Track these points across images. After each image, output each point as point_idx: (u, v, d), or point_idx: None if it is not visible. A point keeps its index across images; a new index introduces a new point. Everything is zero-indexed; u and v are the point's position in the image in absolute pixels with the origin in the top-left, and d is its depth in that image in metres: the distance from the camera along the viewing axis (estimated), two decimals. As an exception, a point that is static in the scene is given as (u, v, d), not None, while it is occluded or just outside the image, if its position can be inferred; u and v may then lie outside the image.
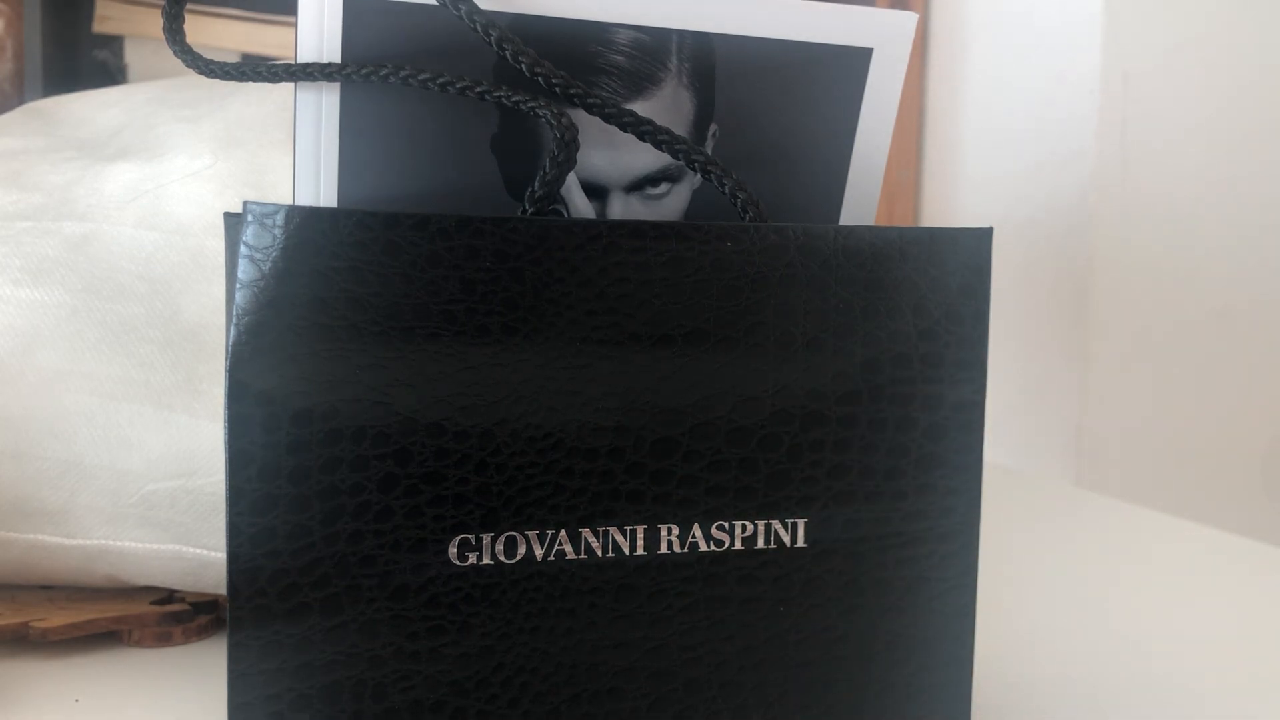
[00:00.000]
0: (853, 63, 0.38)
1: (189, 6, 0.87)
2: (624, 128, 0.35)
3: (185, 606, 0.49)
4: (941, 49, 1.24)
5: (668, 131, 0.35)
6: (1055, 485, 0.97)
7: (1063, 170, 1.08)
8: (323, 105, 0.35)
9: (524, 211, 0.34)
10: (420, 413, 0.32)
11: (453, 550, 0.32)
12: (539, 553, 0.33)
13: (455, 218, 0.31)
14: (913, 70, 1.24)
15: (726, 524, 0.35)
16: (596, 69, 0.36)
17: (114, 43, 1.14)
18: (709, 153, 0.36)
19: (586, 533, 0.33)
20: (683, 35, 0.36)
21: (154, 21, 1.12)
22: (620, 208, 0.38)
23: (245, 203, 0.30)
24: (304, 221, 0.30)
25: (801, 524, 0.35)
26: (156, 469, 0.45)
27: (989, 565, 0.49)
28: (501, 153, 0.36)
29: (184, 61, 0.36)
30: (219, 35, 1.13)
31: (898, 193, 1.25)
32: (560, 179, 0.34)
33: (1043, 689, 0.46)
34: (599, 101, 0.34)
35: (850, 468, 0.36)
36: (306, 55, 0.34)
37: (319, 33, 0.34)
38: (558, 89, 0.34)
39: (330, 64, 0.34)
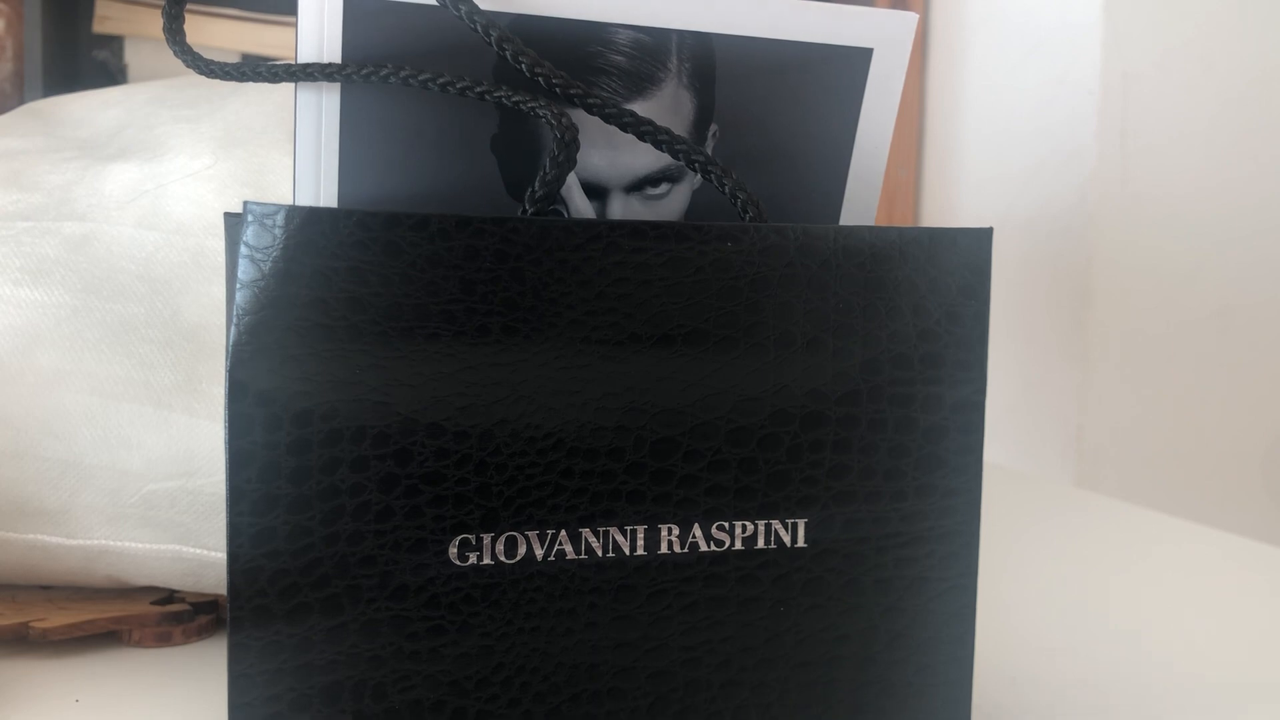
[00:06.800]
0: (853, 63, 0.38)
1: (189, 6, 0.87)
2: (624, 128, 0.35)
3: (185, 606, 0.49)
4: (941, 49, 1.24)
5: (668, 131, 0.35)
6: (1055, 485, 0.97)
7: (1063, 170, 1.08)
8: (323, 105, 0.35)
9: (524, 211, 0.34)
10: (420, 413, 0.32)
11: (453, 550, 0.32)
12: (539, 553, 0.33)
13: (455, 217, 0.31)
14: (913, 70, 1.24)
15: (726, 524, 0.35)
16: (596, 69, 0.36)
17: (114, 43, 1.14)
18: (709, 153, 0.36)
19: (587, 533, 0.33)
20: (683, 35, 0.36)
21: (154, 21, 1.12)
22: (620, 208, 0.38)
23: (245, 203, 0.30)
24: (304, 221, 0.30)
25: (801, 524, 0.35)
26: (156, 469, 0.45)
27: (989, 565, 0.49)
28: (501, 153, 0.36)
29: (184, 61, 0.36)
30: (219, 35, 1.13)
31: (898, 193, 1.25)
32: (560, 179, 0.34)
33: (1043, 689, 0.46)
34: (599, 101, 0.34)
35: (850, 468, 0.36)
36: (306, 55, 0.34)
37: (319, 33, 0.34)
38: (558, 89, 0.34)
39: (330, 64, 0.34)
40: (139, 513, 0.45)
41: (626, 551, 0.34)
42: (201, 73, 0.36)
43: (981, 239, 0.37)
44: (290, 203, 0.33)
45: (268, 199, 0.47)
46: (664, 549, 0.34)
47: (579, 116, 0.36)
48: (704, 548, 0.35)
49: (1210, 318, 1.09)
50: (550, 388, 0.33)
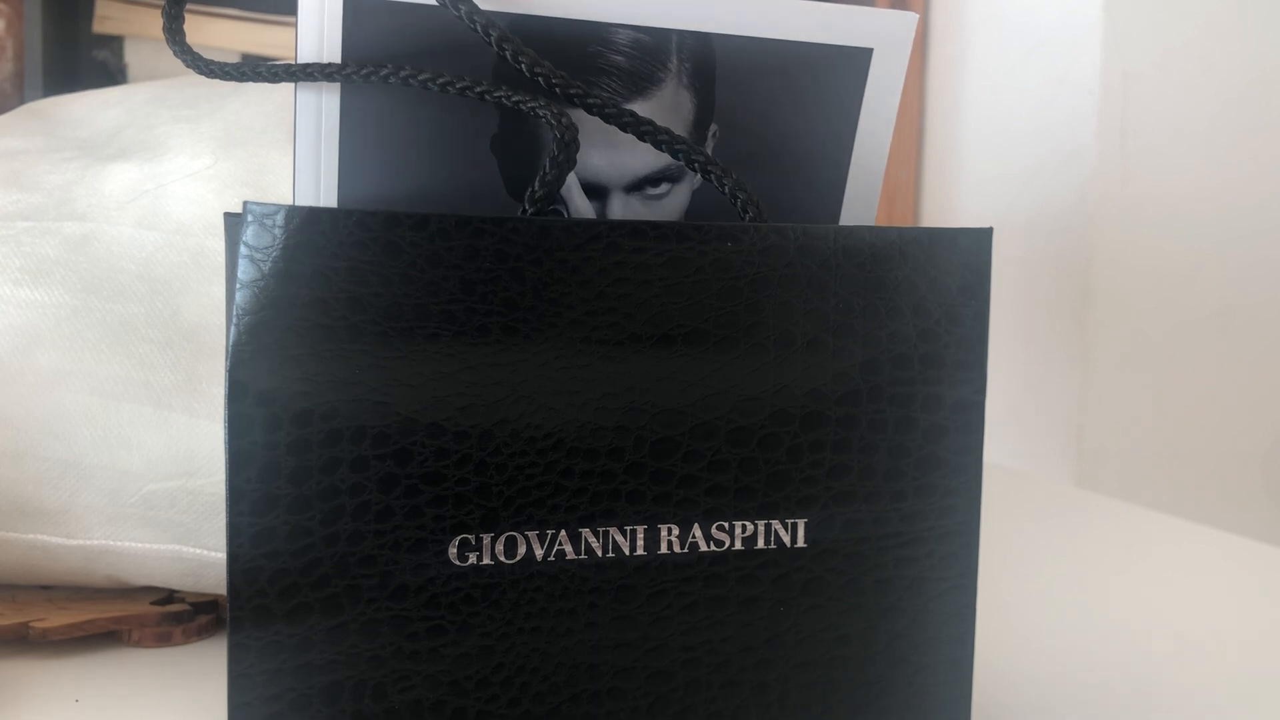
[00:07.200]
0: (853, 63, 0.38)
1: (189, 6, 0.87)
2: (624, 128, 0.35)
3: (185, 606, 0.49)
4: (941, 49, 1.24)
5: (668, 131, 0.35)
6: (1055, 485, 0.97)
7: (1063, 170, 1.08)
8: (323, 105, 0.35)
9: (524, 211, 0.34)
10: (420, 413, 0.32)
11: (453, 550, 0.32)
12: (539, 553, 0.33)
13: (455, 217, 0.31)
14: (913, 70, 1.24)
15: (726, 524, 0.35)
16: (596, 69, 0.36)
17: (114, 43, 1.15)
18: (709, 153, 0.36)
19: (586, 533, 0.33)
20: (683, 35, 0.36)
21: (154, 21, 1.12)
22: (620, 208, 0.38)
23: (245, 203, 0.30)
24: (304, 221, 0.30)
25: (801, 524, 0.35)
26: (156, 469, 0.45)
27: (989, 565, 0.49)
28: (501, 153, 0.36)
29: (184, 61, 0.36)
30: (219, 35, 1.13)
31: (898, 193, 1.25)
32: (560, 179, 0.34)
33: (1043, 689, 0.46)
34: (599, 101, 0.34)
35: (850, 468, 0.36)
36: (306, 55, 0.34)
37: (319, 33, 0.34)
38: (558, 89, 0.34)
39: (330, 64, 0.34)
40: (139, 513, 0.45)
41: (626, 551, 0.34)
42: (201, 73, 0.36)
43: (981, 239, 0.37)
44: (290, 203, 0.33)
45: (268, 199, 0.47)
46: (664, 549, 0.34)
47: (579, 116, 0.36)
48: (704, 548, 0.35)
49: (1210, 318, 1.09)
50: (550, 388, 0.33)
